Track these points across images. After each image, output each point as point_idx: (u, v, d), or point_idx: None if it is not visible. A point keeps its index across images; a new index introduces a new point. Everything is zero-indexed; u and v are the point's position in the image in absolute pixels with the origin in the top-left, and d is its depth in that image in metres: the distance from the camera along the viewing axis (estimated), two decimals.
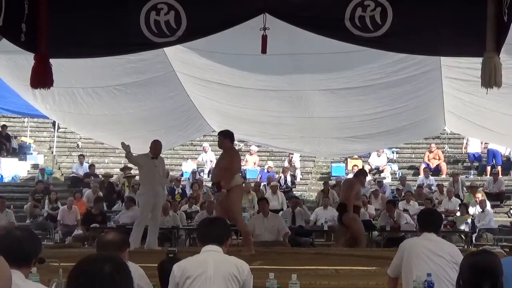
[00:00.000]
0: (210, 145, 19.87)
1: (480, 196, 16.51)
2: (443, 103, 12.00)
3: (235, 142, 19.99)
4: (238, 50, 9.94)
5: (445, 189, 17.04)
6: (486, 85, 7.14)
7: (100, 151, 21.26)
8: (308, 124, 13.09)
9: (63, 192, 18.74)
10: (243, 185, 12.29)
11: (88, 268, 2.53)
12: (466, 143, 19.77)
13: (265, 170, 19.48)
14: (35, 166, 20.53)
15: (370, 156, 19.97)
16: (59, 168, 21.02)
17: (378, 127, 13.14)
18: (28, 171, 20.52)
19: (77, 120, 13.73)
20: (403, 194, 17.04)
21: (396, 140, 15.85)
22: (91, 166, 19.64)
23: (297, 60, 10.41)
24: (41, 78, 7.79)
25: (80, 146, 21.60)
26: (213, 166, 14.26)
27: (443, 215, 14.91)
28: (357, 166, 19.10)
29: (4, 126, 21.04)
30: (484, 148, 19.46)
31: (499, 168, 18.79)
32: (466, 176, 19.09)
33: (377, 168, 19.82)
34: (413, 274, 5.22)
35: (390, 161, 20.32)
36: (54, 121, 18.90)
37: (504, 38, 7.00)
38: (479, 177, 19.19)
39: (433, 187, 17.81)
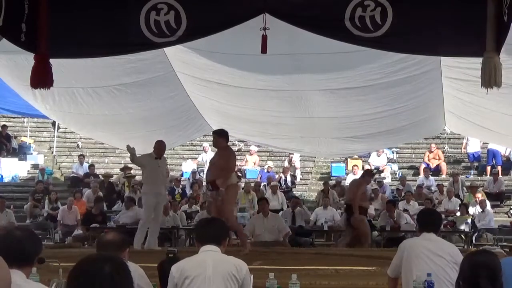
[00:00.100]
0: (210, 145, 19.84)
1: (480, 196, 16.51)
2: (443, 103, 12.00)
3: (236, 142, 20.26)
4: (238, 50, 9.94)
5: (445, 189, 17.04)
6: (486, 85, 7.14)
7: (100, 151, 21.26)
8: (308, 124, 13.09)
9: (63, 192, 18.74)
10: (238, 184, 12.34)
11: (88, 268, 2.54)
12: (466, 143, 19.77)
13: (265, 170, 19.48)
14: (35, 166, 20.53)
15: (370, 156, 19.97)
16: (59, 168, 21.02)
17: (378, 127, 13.14)
18: (28, 171, 20.52)
19: (77, 120, 13.73)
20: (403, 194, 17.05)
21: (396, 140, 15.85)
22: (91, 166, 19.64)
23: (297, 60, 10.41)
24: (41, 78, 7.79)
25: (80, 146, 21.61)
26: None
27: (443, 215, 14.96)
28: (357, 166, 19.12)
29: (4, 126, 21.04)
30: (483, 148, 19.45)
31: (499, 168, 18.80)
32: (466, 176, 19.09)
33: (377, 168, 19.80)
34: (413, 274, 5.22)
35: (390, 161, 20.32)
36: (54, 121, 18.90)
37: (504, 38, 7.00)
38: (479, 177, 19.19)
39: (432, 188, 17.81)
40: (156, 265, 5.76)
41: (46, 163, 20.73)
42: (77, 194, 17.07)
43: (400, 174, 19.50)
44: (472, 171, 19.75)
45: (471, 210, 15.88)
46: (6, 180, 19.95)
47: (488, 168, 19.12)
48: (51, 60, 7.76)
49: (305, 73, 10.97)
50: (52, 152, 21.62)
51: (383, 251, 10.66)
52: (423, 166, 19.14)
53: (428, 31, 7.50)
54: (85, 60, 10.09)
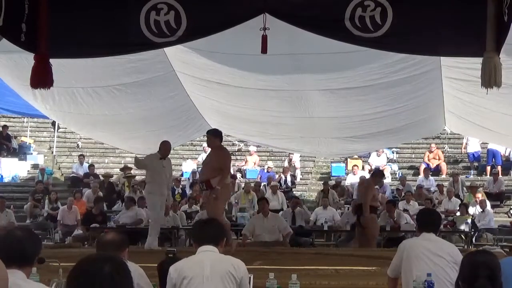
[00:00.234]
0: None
1: (480, 196, 16.51)
2: (443, 103, 12.00)
3: (236, 142, 20.25)
4: (238, 50, 9.94)
5: (445, 189, 17.05)
6: (486, 85, 7.14)
7: (100, 151, 21.27)
8: (308, 124, 13.09)
9: (63, 192, 18.74)
10: (231, 184, 12.40)
11: (88, 268, 2.54)
12: (466, 143, 19.77)
13: (265, 170, 19.48)
14: (35, 166, 20.53)
15: (370, 156, 19.97)
16: (59, 168, 21.02)
17: (378, 127, 13.14)
18: (28, 171, 20.52)
19: (77, 120, 13.73)
20: (403, 194, 17.05)
21: (396, 140, 15.86)
22: (91, 166, 19.64)
23: (297, 60, 10.40)
24: (41, 78, 7.79)
25: (80, 146, 21.61)
26: None
27: (443, 215, 14.97)
28: (357, 166, 19.13)
29: (5, 127, 21.05)
30: (483, 148, 19.45)
31: (499, 168, 18.80)
32: (466, 176, 19.10)
33: (377, 168, 19.80)
34: (413, 274, 5.22)
35: (390, 161, 20.32)
36: (54, 121, 18.90)
37: (504, 38, 6.99)
38: (479, 177, 19.20)
39: (432, 189, 17.80)
40: (156, 265, 5.76)
41: (46, 163, 20.73)
42: (77, 194, 17.08)
43: (400, 174, 19.50)
44: (472, 171, 19.76)
45: (471, 210, 15.88)
46: (6, 180, 19.95)
47: (488, 168, 19.13)
48: (51, 60, 7.76)
49: (305, 73, 10.97)
50: (52, 152, 21.62)
51: (383, 251, 10.66)
52: (423, 166, 19.14)
53: (428, 31, 7.50)
54: (85, 60, 10.09)
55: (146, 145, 15.21)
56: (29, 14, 7.45)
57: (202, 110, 13.23)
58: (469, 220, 15.14)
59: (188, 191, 17.90)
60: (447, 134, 19.20)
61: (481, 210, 15.63)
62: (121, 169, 19.10)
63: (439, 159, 19.57)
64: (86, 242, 13.69)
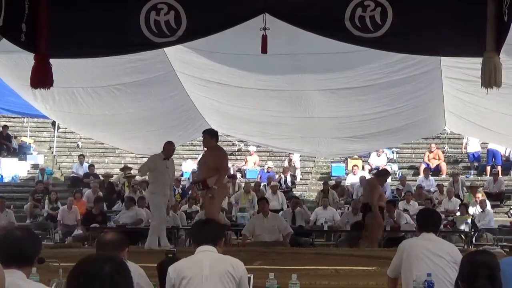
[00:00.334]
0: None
1: (480, 196, 16.52)
2: (443, 103, 12.00)
3: (236, 142, 20.25)
4: (238, 50, 9.94)
5: (445, 189, 17.05)
6: (486, 85, 7.14)
7: (100, 151, 21.27)
8: (308, 124, 13.09)
9: (63, 192, 18.74)
10: (227, 184, 12.43)
11: (88, 268, 2.54)
12: (466, 143, 19.77)
13: (265, 170, 19.48)
14: (35, 166, 20.53)
15: (370, 156, 19.97)
16: (59, 168, 21.02)
17: (378, 127, 13.15)
18: (28, 171, 20.52)
19: (77, 120, 13.72)
20: (403, 194, 17.05)
21: (396, 140, 15.86)
22: (91, 166, 19.63)
23: (297, 60, 10.40)
24: (41, 78, 7.78)
25: (80, 146, 21.61)
26: None
27: (443, 215, 14.98)
28: (357, 166, 19.14)
29: (5, 127, 21.06)
30: (483, 148, 19.46)
31: (499, 168, 18.80)
32: (466, 176, 19.10)
33: (377, 168, 19.79)
34: (413, 275, 5.22)
35: (390, 161, 20.32)
36: (54, 121, 18.90)
37: (504, 38, 6.99)
38: (479, 177, 19.20)
39: (432, 189, 17.81)
40: (156, 265, 5.77)
41: (46, 163, 20.74)
42: (77, 194, 17.08)
43: (400, 174, 19.50)
44: (472, 171, 19.76)
45: (471, 210, 15.89)
46: (6, 180, 19.96)
47: (488, 168, 19.13)
48: (51, 60, 7.76)
49: (305, 73, 10.97)
50: (52, 152, 21.62)
51: (383, 251, 10.66)
52: (423, 166, 19.14)
53: (428, 32, 7.50)
54: (85, 60, 10.08)
55: (146, 145, 15.21)
56: (29, 14, 7.44)
57: (202, 110, 13.23)
58: (469, 220, 15.15)
59: (188, 191, 17.90)
60: (447, 134, 19.20)
61: (481, 210, 15.64)
62: (121, 169, 19.10)
63: (439, 159, 19.57)
64: (86, 242, 13.68)
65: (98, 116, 13.13)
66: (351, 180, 18.74)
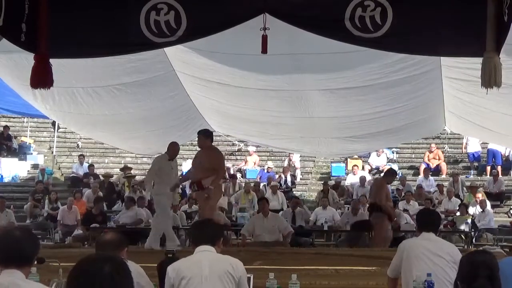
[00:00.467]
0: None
1: (480, 196, 16.51)
2: (443, 103, 12.01)
3: (236, 142, 20.24)
4: (238, 50, 9.94)
5: (445, 189, 17.05)
6: (486, 85, 7.13)
7: (100, 151, 21.27)
8: (308, 124, 13.09)
9: (63, 192, 18.74)
10: (222, 185, 12.44)
11: (88, 268, 2.54)
12: (466, 143, 19.77)
13: (265, 170, 19.48)
14: (35, 166, 20.53)
15: (370, 156, 19.97)
16: (59, 168, 21.02)
17: (378, 127, 13.15)
18: (28, 171, 20.52)
19: (77, 120, 13.73)
20: (403, 194, 17.04)
21: (396, 139, 15.86)
22: (91, 166, 19.62)
23: (297, 60, 10.41)
24: (41, 78, 7.78)
25: (80, 146, 21.61)
26: None
27: (443, 215, 14.98)
28: (357, 166, 19.13)
29: (6, 127, 21.07)
30: (483, 148, 19.45)
31: (499, 168, 18.80)
32: (466, 176, 19.10)
33: (377, 168, 19.81)
34: (413, 275, 5.22)
35: (390, 161, 20.32)
36: (54, 121, 18.90)
37: (504, 38, 6.99)
38: (479, 177, 19.20)
39: (432, 189, 17.80)
40: (156, 265, 5.77)
41: (46, 163, 20.74)
42: (77, 194, 17.07)
43: (400, 174, 19.49)
44: (472, 171, 19.76)
45: (471, 210, 15.89)
46: (6, 180, 19.96)
47: (488, 168, 19.13)
48: (51, 60, 7.76)
49: (305, 73, 10.97)
50: (52, 152, 21.62)
51: (383, 251, 10.65)
52: (423, 166, 19.13)
53: (428, 32, 7.49)
54: (85, 60, 10.09)
55: (146, 145, 15.23)
56: (29, 14, 7.44)
57: (202, 110, 13.23)
58: (469, 220, 15.15)
59: (188, 191, 17.89)
60: (447, 134, 19.18)
61: (481, 210, 15.64)
62: (121, 169, 19.11)
63: (439, 159, 19.56)
64: (86, 242, 13.68)
65: (98, 116, 13.13)
66: (351, 180, 18.74)
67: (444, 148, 20.33)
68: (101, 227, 14.05)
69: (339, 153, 16.90)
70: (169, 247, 10.46)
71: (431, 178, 18.49)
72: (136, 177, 18.42)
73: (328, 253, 10.98)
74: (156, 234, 10.88)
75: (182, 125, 13.88)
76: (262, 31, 7.69)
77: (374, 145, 16.11)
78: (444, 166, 19.47)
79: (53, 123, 20.88)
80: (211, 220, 5.45)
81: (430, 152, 19.56)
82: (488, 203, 16.15)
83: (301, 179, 20.17)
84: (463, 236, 14.60)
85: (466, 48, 7.51)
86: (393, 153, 20.61)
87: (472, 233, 14.81)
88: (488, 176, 18.76)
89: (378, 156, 19.90)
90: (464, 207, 15.59)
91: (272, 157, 20.76)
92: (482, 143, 19.29)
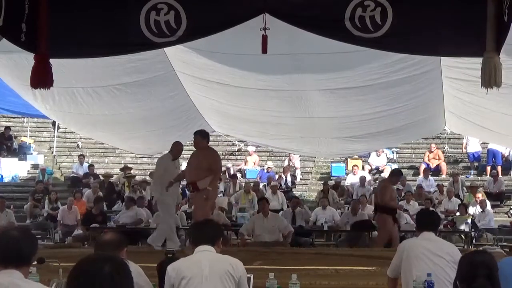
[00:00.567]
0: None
1: (480, 196, 16.51)
2: (443, 103, 12.01)
3: (236, 142, 20.24)
4: (238, 50, 9.94)
5: (445, 189, 17.04)
6: (486, 85, 7.13)
7: (100, 151, 21.26)
8: (308, 124, 13.09)
9: (63, 192, 18.74)
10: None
11: (88, 268, 2.54)
12: (466, 143, 19.76)
13: (265, 170, 19.47)
14: (35, 166, 20.53)
15: (370, 156, 19.97)
16: (59, 168, 21.02)
17: (378, 127, 13.15)
18: (28, 171, 20.52)
19: (77, 120, 13.72)
20: (403, 194, 17.04)
21: (396, 139, 15.86)
22: (90, 166, 19.61)
23: (297, 60, 10.41)
24: (41, 78, 7.78)
25: (80, 146, 21.60)
26: None
27: (443, 215, 14.99)
28: (357, 166, 19.13)
29: (8, 128, 21.07)
30: (483, 148, 19.45)
31: (499, 168, 18.79)
32: (466, 176, 19.09)
33: (377, 168, 19.82)
34: (413, 275, 5.23)
35: (390, 161, 20.32)
36: (54, 121, 18.90)
37: (504, 38, 6.99)
38: (479, 177, 19.20)
39: (432, 189, 17.79)
40: (156, 265, 5.77)
41: (46, 163, 20.73)
42: (77, 194, 17.07)
43: None
44: (472, 171, 19.75)
45: (471, 210, 15.89)
46: (6, 180, 19.95)
47: (488, 168, 19.12)
48: (51, 60, 7.76)
49: (305, 73, 10.97)
50: (52, 152, 21.62)
51: (383, 251, 10.66)
52: (423, 166, 19.13)
53: (428, 32, 7.49)
54: (85, 60, 10.08)
55: (146, 145, 15.23)
56: (29, 14, 7.44)
57: (202, 110, 13.23)
58: (469, 220, 15.14)
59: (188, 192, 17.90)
60: (447, 134, 19.19)
61: (481, 210, 15.64)
62: (121, 169, 19.10)
63: (439, 159, 19.56)
64: (86, 242, 13.68)
65: (98, 116, 13.13)
66: (351, 180, 18.74)
67: (444, 148, 20.32)
68: (101, 227, 14.05)
69: (339, 153, 16.90)
70: (169, 247, 10.46)
71: (431, 178, 18.49)
72: (136, 177, 18.42)
73: (328, 253, 10.99)
74: (162, 233, 10.81)
75: (182, 125, 13.87)
76: (262, 31, 7.69)
77: (374, 145, 16.11)
78: (444, 166, 19.46)
79: (53, 123, 20.88)
80: (211, 220, 5.46)
81: (430, 152, 19.56)
82: (488, 203, 16.15)
83: (301, 179, 20.17)
84: (463, 236, 14.60)
85: (466, 48, 7.51)
86: (393, 153, 20.61)
87: (472, 233, 14.81)
88: (488, 176, 18.76)
89: (378, 156, 19.90)
90: (463, 207, 15.59)
91: (272, 157, 20.76)
92: (482, 143, 19.29)
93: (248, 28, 7.89)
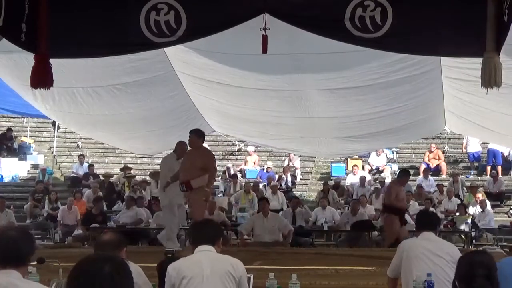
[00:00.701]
0: (209, 145, 19.85)
1: (480, 196, 16.51)
2: (443, 103, 12.01)
3: (236, 142, 20.24)
4: (238, 50, 9.94)
5: (445, 189, 17.04)
6: (486, 85, 7.14)
7: (100, 151, 21.26)
8: (308, 124, 13.09)
9: (63, 192, 18.73)
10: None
11: (88, 268, 2.54)
12: (466, 143, 19.76)
13: (265, 170, 19.47)
14: (35, 166, 20.53)
15: (369, 156, 19.97)
16: (59, 168, 21.02)
17: (377, 127, 13.15)
18: (28, 171, 20.52)
19: (77, 120, 13.73)
20: None
21: (396, 139, 15.86)
22: (90, 166, 19.61)
23: (297, 60, 10.41)
24: (41, 78, 7.78)
25: (80, 146, 21.60)
26: None
27: (443, 215, 14.99)
28: (357, 166, 19.13)
29: (10, 129, 21.07)
30: (483, 148, 19.45)
31: (499, 168, 18.79)
32: (466, 176, 19.09)
33: (377, 168, 19.81)
34: (413, 275, 5.23)
35: (390, 161, 20.31)
36: (54, 121, 18.90)
37: (504, 38, 6.99)
38: (479, 177, 19.19)
39: (431, 189, 17.79)
40: (156, 265, 5.77)
41: (46, 163, 20.73)
42: (77, 194, 17.07)
43: None
44: (472, 171, 19.75)
45: (471, 210, 15.88)
46: (6, 180, 19.95)
47: (488, 168, 19.12)
48: (51, 60, 7.76)
49: (305, 73, 10.97)
50: (52, 152, 21.61)
51: (383, 251, 10.66)
52: (423, 166, 19.12)
53: (428, 32, 7.50)
54: (85, 60, 10.09)
55: (146, 145, 15.23)
56: (29, 14, 7.44)
57: (202, 110, 13.23)
58: (469, 220, 15.14)
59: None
60: (447, 134, 19.19)
61: (481, 210, 15.63)
62: (121, 169, 19.10)
63: (439, 159, 19.55)
64: (86, 242, 13.67)
65: (98, 116, 13.13)
66: (351, 180, 18.73)
67: (444, 148, 20.32)
68: (101, 227, 14.05)
69: (339, 153, 16.90)
70: (169, 247, 10.46)
71: (431, 178, 18.48)
72: (136, 177, 18.42)
73: (328, 253, 10.99)
74: (171, 233, 10.79)
75: (182, 125, 13.86)
76: (262, 31, 7.70)
77: (374, 145, 16.11)
78: (444, 166, 19.46)
79: (53, 123, 20.88)
80: (211, 220, 5.46)
81: (430, 152, 19.55)
82: (488, 203, 16.14)
83: (301, 179, 20.16)
84: (463, 236, 14.60)
85: (466, 48, 7.51)
86: (393, 153, 20.61)
87: (472, 233, 14.81)
88: (488, 176, 18.75)
89: (378, 156, 19.89)
90: (463, 207, 15.59)
91: (272, 157, 20.76)
92: (482, 143, 19.28)
93: (248, 28, 7.89)
